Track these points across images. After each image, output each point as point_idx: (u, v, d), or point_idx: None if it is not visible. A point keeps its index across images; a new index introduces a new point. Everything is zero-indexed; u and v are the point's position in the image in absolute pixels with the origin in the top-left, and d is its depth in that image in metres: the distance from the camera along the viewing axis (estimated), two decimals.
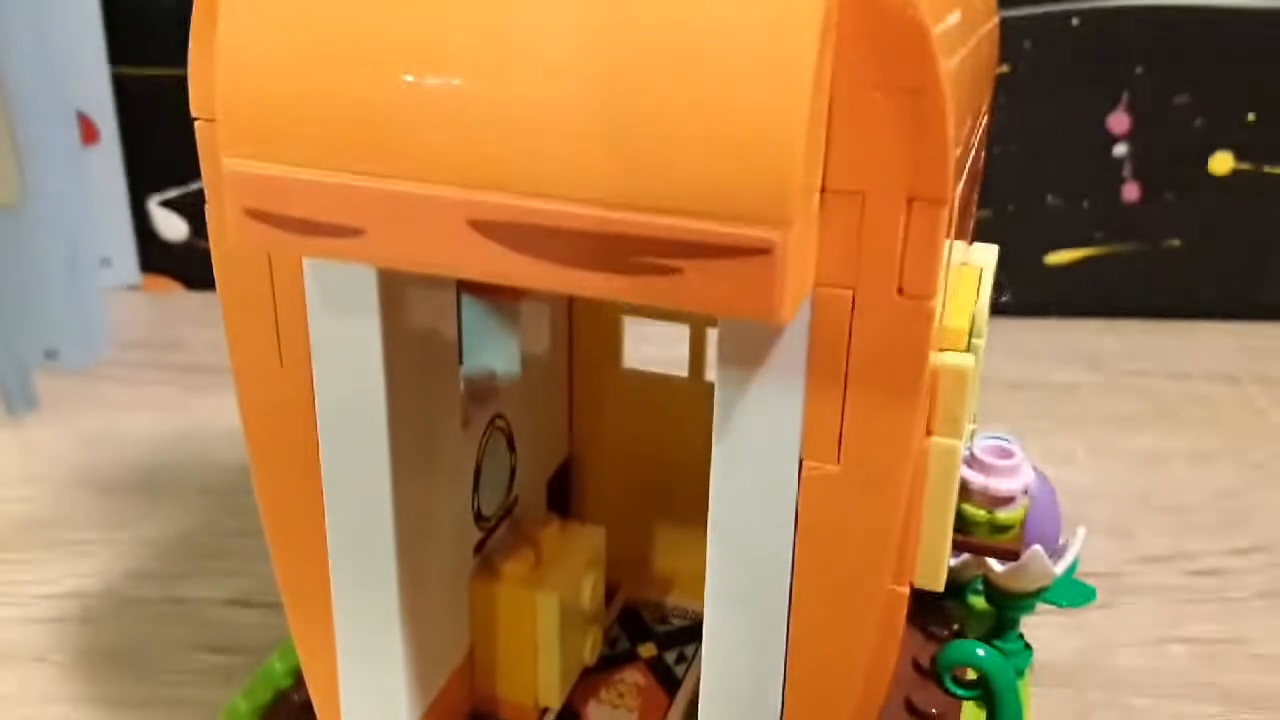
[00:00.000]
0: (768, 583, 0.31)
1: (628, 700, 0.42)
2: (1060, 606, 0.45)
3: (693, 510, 0.37)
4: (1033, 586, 0.43)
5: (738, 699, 0.33)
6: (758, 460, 0.29)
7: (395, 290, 0.32)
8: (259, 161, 0.27)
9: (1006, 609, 0.44)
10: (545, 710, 0.42)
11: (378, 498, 0.34)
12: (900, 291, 0.26)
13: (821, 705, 0.32)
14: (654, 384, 0.47)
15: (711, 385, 0.29)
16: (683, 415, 0.46)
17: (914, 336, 0.27)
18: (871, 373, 0.27)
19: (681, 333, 0.46)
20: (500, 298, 0.41)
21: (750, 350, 0.28)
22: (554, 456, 0.47)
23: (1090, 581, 0.46)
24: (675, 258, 0.25)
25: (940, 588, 0.33)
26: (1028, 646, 0.46)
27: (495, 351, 0.41)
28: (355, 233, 0.27)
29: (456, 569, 0.39)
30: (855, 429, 0.28)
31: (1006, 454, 0.36)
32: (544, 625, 0.39)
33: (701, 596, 0.32)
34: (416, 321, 0.33)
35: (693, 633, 0.46)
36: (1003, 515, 0.35)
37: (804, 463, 0.29)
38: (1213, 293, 0.80)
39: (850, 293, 0.27)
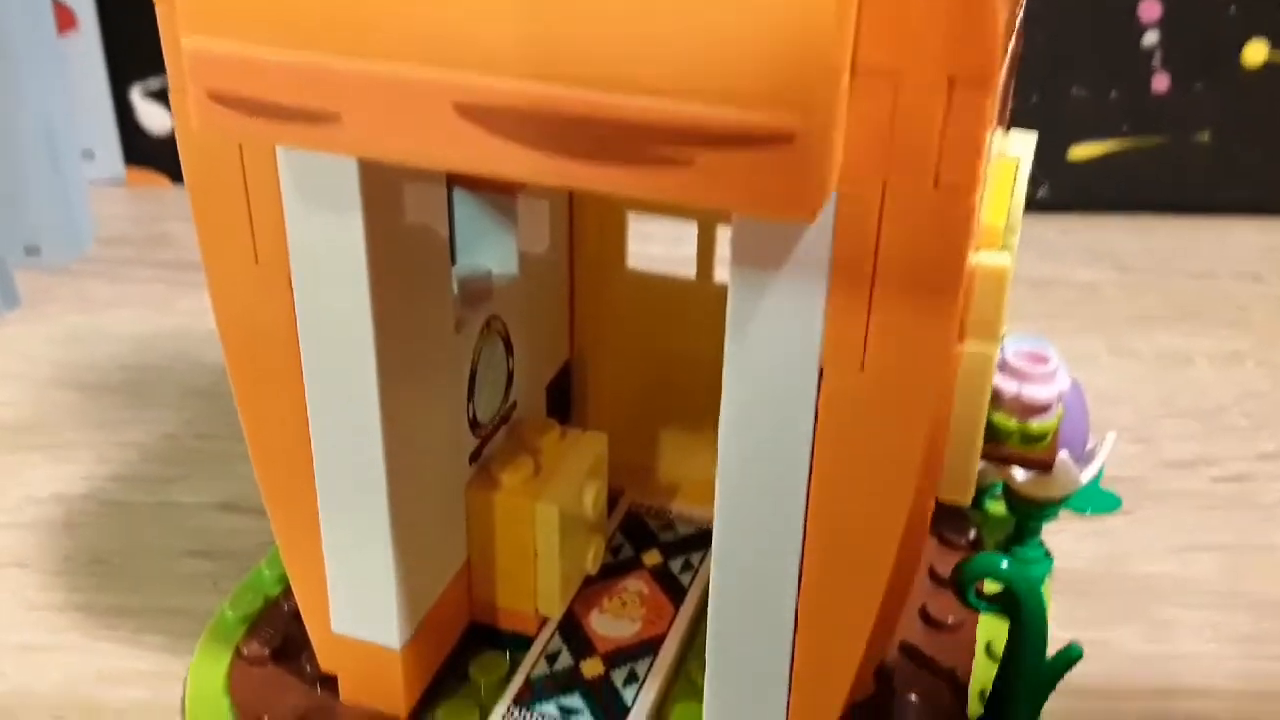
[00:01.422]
0: (782, 495, 0.30)
1: (631, 609, 0.42)
2: (1085, 514, 0.44)
3: (699, 416, 0.36)
4: (1058, 495, 0.41)
5: (749, 613, 0.32)
6: (774, 367, 0.28)
7: (379, 184, 0.31)
8: (221, 39, 0.25)
9: (1028, 517, 0.43)
10: (546, 620, 0.41)
11: (364, 405, 0.33)
12: (936, 183, 0.25)
13: (838, 622, 0.31)
14: (659, 285, 0.46)
15: (720, 287, 0.27)
16: (690, 318, 0.45)
17: (951, 233, 0.25)
18: (901, 273, 0.26)
19: (689, 230, 0.44)
20: (495, 192, 0.39)
21: (768, 249, 0.27)
22: (554, 360, 0.46)
23: (1112, 488, 0.45)
24: (686, 147, 0.23)
25: (968, 502, 0.31)
26: (1048, 554, 0.45)
27: (490, 250, 0.40)
28: (330, 119, 0.25)
29: (451, 478, 0.38)
30: (881, 334, 0.27)
31: (1041, 359, 0.34)
32: (544, 535, 0.39)
33: (709, 503, 0.31)
34: (404, 218, 0.32)
35: (699, 540, 0.45)
36: (1036, 425, 0.33)
37: (824, 370, 0.28)
38: (1241, 189, 0.78)
39: (880, 185, 0.25)
